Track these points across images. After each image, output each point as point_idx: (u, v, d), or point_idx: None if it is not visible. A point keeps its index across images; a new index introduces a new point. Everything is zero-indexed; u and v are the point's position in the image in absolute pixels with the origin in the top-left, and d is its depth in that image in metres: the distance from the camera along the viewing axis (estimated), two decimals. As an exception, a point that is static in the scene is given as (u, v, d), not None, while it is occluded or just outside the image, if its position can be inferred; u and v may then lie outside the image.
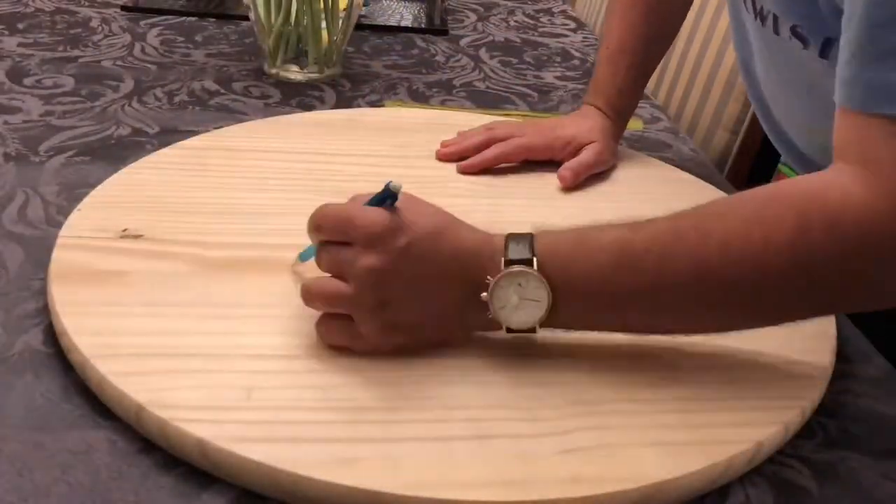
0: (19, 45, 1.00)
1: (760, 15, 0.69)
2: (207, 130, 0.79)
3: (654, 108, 0.99)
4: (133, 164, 0.71)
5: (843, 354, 0.58)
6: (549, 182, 0.75)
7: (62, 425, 0.46)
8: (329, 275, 0.51)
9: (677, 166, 0.82)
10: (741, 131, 1.13)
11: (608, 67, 0.81)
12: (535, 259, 0.49)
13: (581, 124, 0.79)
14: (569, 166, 0.75)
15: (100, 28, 1.08)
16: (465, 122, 0.86)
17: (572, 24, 1.29)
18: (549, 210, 0.71)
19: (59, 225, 0.62)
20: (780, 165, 1.60)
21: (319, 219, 0.51)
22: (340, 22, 0.97)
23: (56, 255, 0.58)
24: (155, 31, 1.09)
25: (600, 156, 0.77)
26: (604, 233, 0.50)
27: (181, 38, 1.07)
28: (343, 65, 1.02)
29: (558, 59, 1.13)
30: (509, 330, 0.50)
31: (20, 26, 1.06)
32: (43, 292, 0.56)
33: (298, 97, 0.92)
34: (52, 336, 0.52)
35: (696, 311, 0.50)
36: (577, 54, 1.15)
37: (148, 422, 0.45)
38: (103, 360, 0.48)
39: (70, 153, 0.75)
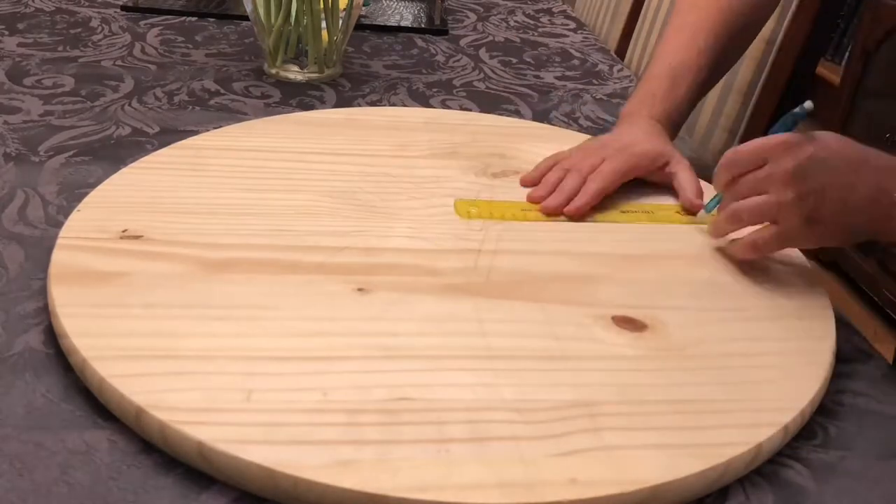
0: (19, 45, 1.00)
1: None
2: (207, 130, 0.79)
3: (654, 108, 0.99)
4: (133, 164, 0.71)
5: (842, 354, 0.58)
6: (548, 182, 0.75)
7: (62, 425, 0.47)
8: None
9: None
10: (739, 131, 1.13)
11: (663, 82, 0.79)
12: None
13: (651, 139, 0.75)
14: (693, 192, 0.72)
15: (100, 28, 1.08)
16: (464, 121, 0.87)
17: (572, 25, 1.29)
18: (548, 210, 0.71)
19: (59, 225, 0.62)
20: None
21: (733, 155, 0.61)
22: (340, 22, 0.97)
23: (56, 255, 0.58)
24: (155, 31, 1.09)
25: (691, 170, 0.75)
26: None
27: (181, 38, 1.07)
28: (343, 65, 1.02)
29: (558, 59, 1.13)
30: None
31: (20, 26, 1.06)
32: (43, 292, 0.56)
33: (298, 97, 0.92)
34: (52, 336, 0.52)
35: None
36: (576, 54, 1.15)
37: (148, 424, 0.45)
38: (103, 362, 0.48)
39: (70, 153, 0.75)
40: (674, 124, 0.78)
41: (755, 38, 0.87)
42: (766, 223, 0.61)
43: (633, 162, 0.73)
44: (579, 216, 0.69)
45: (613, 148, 0.74)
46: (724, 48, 0.80)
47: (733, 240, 0.65)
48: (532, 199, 0.71)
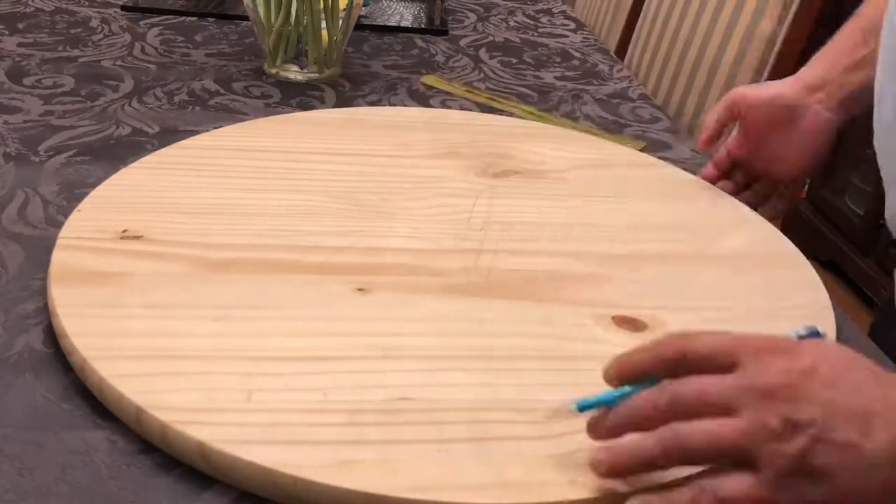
0: (19, 45, 1.00)
1: None
2: (207, 130, 0.79)
3: (654, 108, 0.99)
4: (133, 164, 0.71)
5: (842, 355, 0.58)
6: (550, 182, 0.75)
7: (62, 425, 0.47)
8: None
9: (677, 166, 0.82)
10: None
11: (851, 37, 0.66)
12: None
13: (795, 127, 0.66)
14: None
15: (100, 28, 1.08)
16: (464, 121, 0.87)
17: (572, 25, 1.29)
18: (550, 209, 0.71)
19: (59, 225, 0.62)
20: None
21: (681, 340, 0.41)
22: (340, 22, 0.97)
23: (56, 256, 0.58)
24: (155, 31, 1.09)
25: (796, 193, 0.69)
26: None
27: (181, 38, 1.07)
28: (343, 65, 1.02)
29: (558, 59, 1.13)
30: None
31: (20, 26, 1.06)
32: (43, 292, 0.56)
33: (298, 97, 0.92)
34: (52, 336, 0.52)
35: None
36: (576, 54, 1.15)
37: (148, 424, 0.45)
38: (103, 362, 0.48)
39: (70, 153, 0.75)
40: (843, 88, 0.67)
41: None
42: (725, 469, 0.38)
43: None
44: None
45: (753, 131, 0.72)
46: None
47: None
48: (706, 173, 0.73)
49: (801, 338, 0.42)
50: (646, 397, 0.40)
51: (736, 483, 0.37)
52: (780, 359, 0.38)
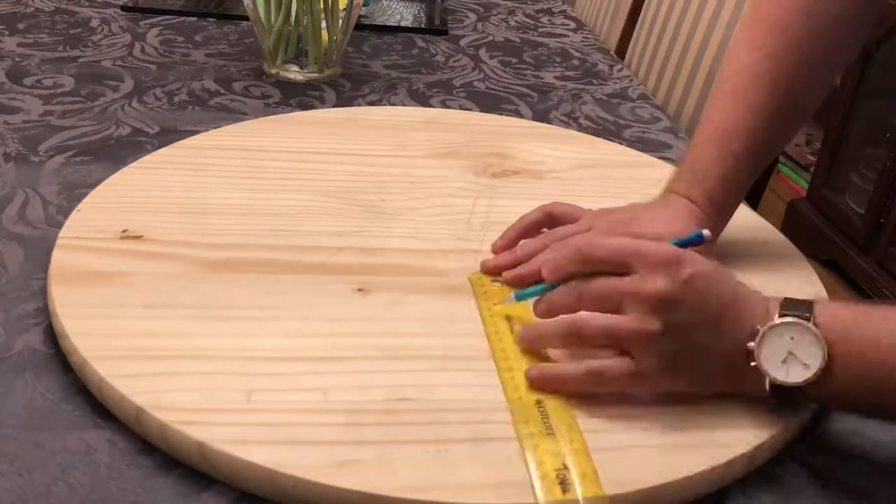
0: (19, 45, 1.00)
1: None
2: (207, 130, 0.79)
3: (654, 108, 0.99)
4: (133, 164, 0.71)
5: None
6: (550, 182, 0.75)
7: (62, 425, 0.47)
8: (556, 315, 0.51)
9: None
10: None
11: (709, 149, 0.64)
12: (812, 316, 0.47)
13: (669, 222, 0.60)
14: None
15: (100, 28, 1.08)
16: (464, 121, 0.87)
17: (572, 24, 1.29)
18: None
19: (59, 225, 0.62)
20: (779, 166, 1.60)
21: (594, 249, 0.50)
22: (340, 22, 0.97)
23: (56, 255, 0.58)
24: (155, 31, 1.09)
25: None
26: (892, 307, 0.48)
27: (181, 38, 1.07)
28: (343, 65, 1.02)
29: (558, 59, 1.13)
30: (773, 388, 0.47)
31: (20, 26, 1.06)
32: (43, 292, 0.56)
33: (298, 97, 0.92)
34: (52, 336, 0.52)
35: None
36: (576, 54, 1.15)
37: (147, 424, 0.45)
38: (103, 362, 0.48)
39: (70, 153, 0.75)
40: (716, 202, 0.63)
41: (832, 80, 0.70)
42: (613, 352, 0.49)
43: None
44: (513, 283, 0.59)
45: (608, 218, 0.62)
46: (784, 102, 0.64)
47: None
48: (489, 265, 0.61)
49: (683, 245, 0.51)
50: (560, 292, 0.51)
51: (618, 364, 0.48)
52: (666, 270, 0.48)
